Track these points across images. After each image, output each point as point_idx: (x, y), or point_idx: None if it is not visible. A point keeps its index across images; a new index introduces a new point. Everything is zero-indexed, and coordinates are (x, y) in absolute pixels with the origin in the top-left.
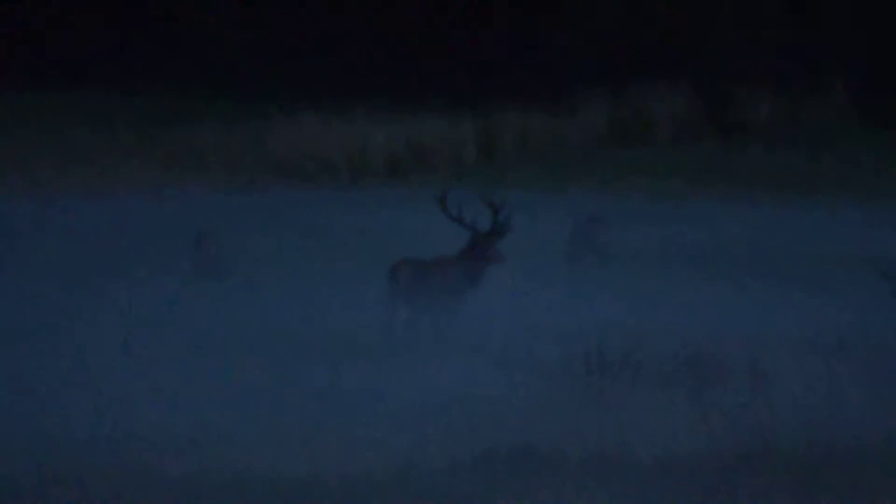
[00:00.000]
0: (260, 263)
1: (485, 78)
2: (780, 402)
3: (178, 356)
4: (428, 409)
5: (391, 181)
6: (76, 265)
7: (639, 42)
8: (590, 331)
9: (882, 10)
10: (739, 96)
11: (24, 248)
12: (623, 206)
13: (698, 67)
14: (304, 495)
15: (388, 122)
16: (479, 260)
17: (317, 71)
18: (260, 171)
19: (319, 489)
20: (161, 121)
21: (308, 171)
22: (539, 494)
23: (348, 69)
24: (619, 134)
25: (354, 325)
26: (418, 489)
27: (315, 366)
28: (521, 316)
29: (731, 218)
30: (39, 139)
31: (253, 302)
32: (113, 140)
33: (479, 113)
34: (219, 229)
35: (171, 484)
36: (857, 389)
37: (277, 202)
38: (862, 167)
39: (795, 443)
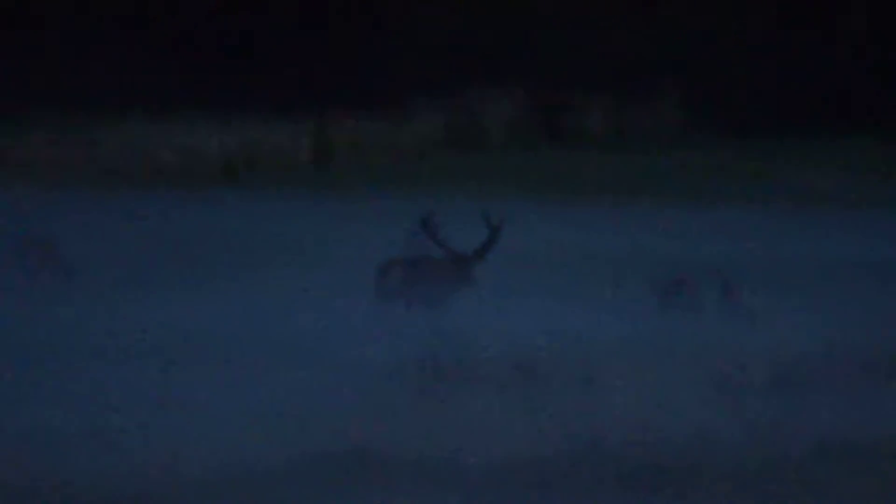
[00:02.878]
0: (93, 268)
1: (319, 82)
2: (610, 406)
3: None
4: (261, 412)
5: (225, 185)
6: None
7: (472, 47)
8: (424, 335)
9: (714, 15)
10: (572, 102)
11: None
12: (456, 210)
13: (531, 73)
14: (128, 499)
15: (221, 126)
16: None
17: (149, 74)
18: (92, 176)
19: (149, 493)
20: None
21: (141, 175)
22: (371, 498)
23: (182, 72)
24: (453, 139)
25: (190, 328)
26: (250, 492)
27: (150, 370)
28: (356, 320)
29: (564, 223)
30: None
31: (87, 306)
32: None
33: (314, 117)
34: (49, 234)
35: None
36: (687, 393)
37: (110, 207)
38: (695, 172)
39: (625, 446)
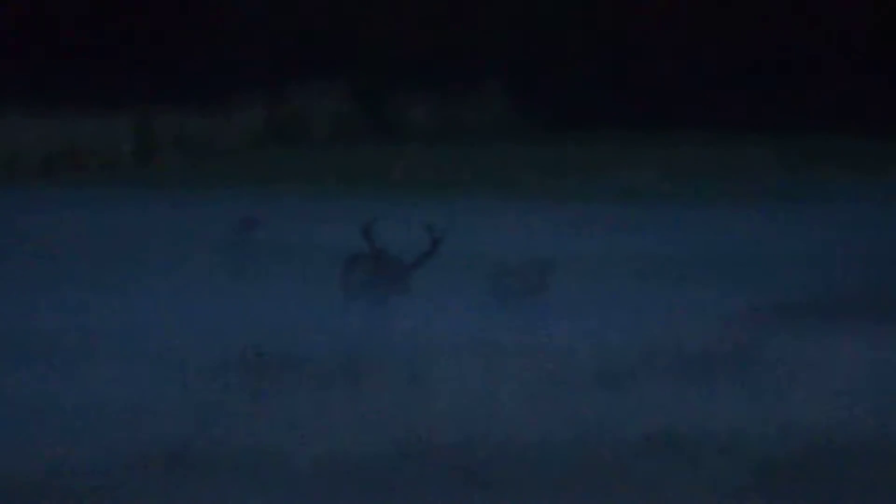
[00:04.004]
0: None
1: (141, 77)
2: (439, 401)
3: None
4: (81, 411)
5: (44, 181)
6: None
7: (295, 41)
8: (247, 331)
9: (538, 10)
10: (396, 96)
11: None
12: (279, 206)
13: (355, 67)
14: None
15: (40, 121)
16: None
17: None
18: None
19: None
20: None
21: None
22: (195, 495)
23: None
24: (276, 134)
25: (20, 328)
26: (68, 491)
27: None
28: (177, 317)
29: (387, 218)
30: None
31: None
32: None
33: (135, 112)
34: None
35: None
36: (514, 390)
37: None
38: (519, 166)
39: (449, 445)
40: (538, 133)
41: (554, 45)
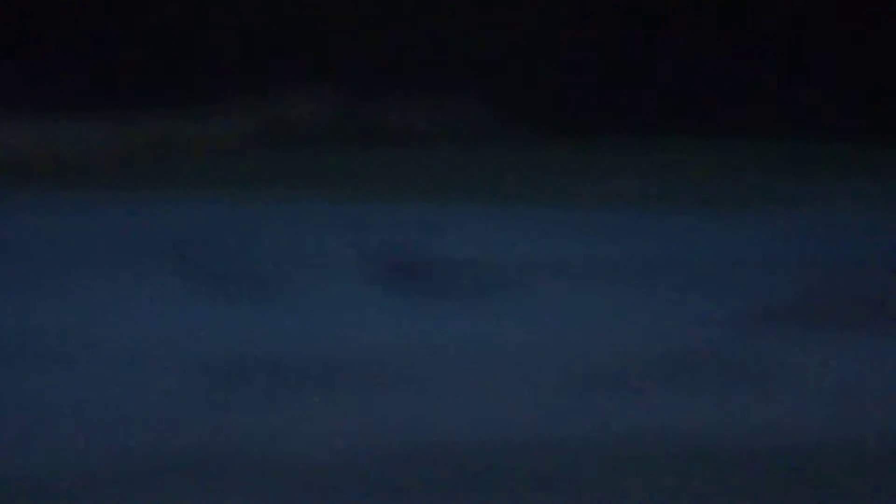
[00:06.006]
0: None
1: (122, 80)
2: (433, 407)
3: None
4: (85, 413)
5: (22, 185)
6: None
7: (282, 44)
8: (234, 336)
9: (529, 14)
10: (382, 99)
11: None
12: (269, 211)
13: (338, 70)
14: None
15: (16, 124)
16: None
17: None
18: None
19: None
20: None
21: None
22: (204, 498)
23: None
24: (264, 137)
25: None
26: (73, 494)
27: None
28: (162, 319)
29: (373, 223)
30: None
31: None
32: None
33: (116, 116)
34: None
35: None
36: (509, 392)
37: None
38: (504, 170)
39: (448, 446)
40: (527, 137)
41: (545, 49)
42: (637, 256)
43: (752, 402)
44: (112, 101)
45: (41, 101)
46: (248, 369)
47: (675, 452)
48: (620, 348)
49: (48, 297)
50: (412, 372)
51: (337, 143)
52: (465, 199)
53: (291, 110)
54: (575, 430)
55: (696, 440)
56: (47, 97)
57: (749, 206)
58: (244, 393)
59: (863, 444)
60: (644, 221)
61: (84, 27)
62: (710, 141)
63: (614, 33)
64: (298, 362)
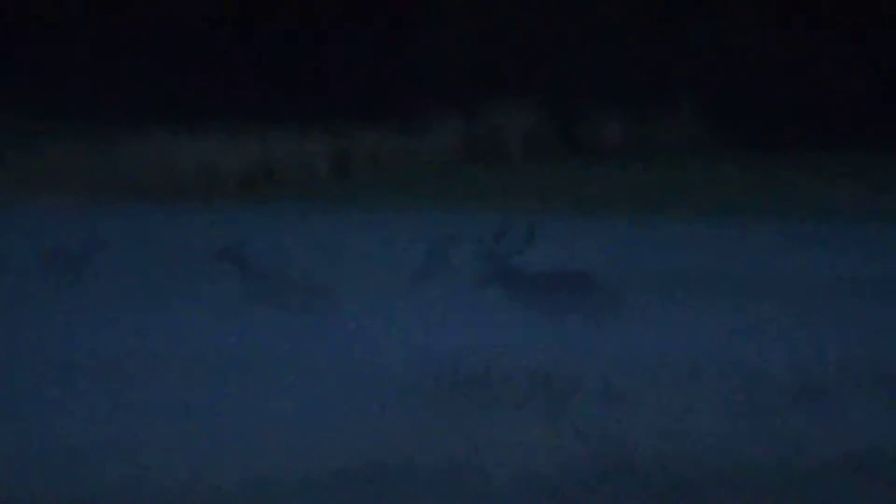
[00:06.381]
0: (116, 282)
1: (337, 95)
2: (634, 421)
3: (45, 375)
4: (279, 426)
5: (243, 199)
6: None
7: (491, 59)
8: (443, 350)
9: (732, 26)
10: (591, 114)
11: None
12: (476, 224)
13: (550, 85)
14: None
15: (239, 139)
16: None
17: (167, 88)
18: (112, 190)
19: None
20: (9, 139)
21: (160, 189)
22: None
23: (199, 86)
24: (472, 152)
25: (209, 341)
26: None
27: (171, 383)
28: (373, 335)
29: (585, 237)
30: None
31: (107, 319)
32: None
33: (332, 130)
34: (72, 247)
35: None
36: (711, 410)
37: (130, 220)
38: (714, 185)
39: (649, 462)
40: (732, 151)
41: (748, 61)
42: (855, 269)
43: None
44: (328, 114)
45: (260, 117)
46: (469, 381)
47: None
48: (839, 362)
49: (276, 311)
50: (634, 385)
51: (543, 156)
52: (675, 212)
53: (503, 124)
54: (793, 446)
55: None
56: (269, 115)
57: None
58: (467, 404)
59: None
60: (860, 234)
61: (300, 45)
62: None
63: (824, 49)
64: (517, 374)
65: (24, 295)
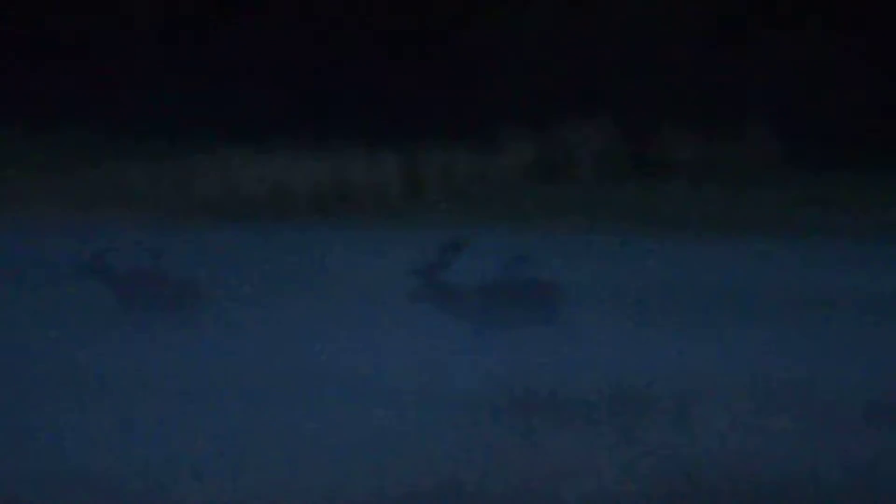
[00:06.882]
0: (191, 301)
1: (408, 114)
2: (707, 440)
3: (139, 395)
4: (351, 446)
5: (315, 218)
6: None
7: (562, 78)
8: (514, 368)
9: (806, 48)
10: (662, 133)
11: None
12: (549, 243)
13: (622, 104)
14: None
15: (311, 159)
16: None
17: (238, 107)
18: (184, 209)
19: None
20: (83, 158)
21: (231, 209)
22: None
23: (270, 105)
24: (544, 171)
25: (281, 361)
26: None
27: (255, 402)
28: (445, 353)
29: (658, 256)
30: None
31: (187, 342)
32: (34, 177)
33: (403, 149)
34: (147, 267)
35: None
36: (783, 427)
37: (202, 239)
38: (787, 206)
39: (721, 481)
40: (804, 171)
41: (821, 81)
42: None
43: None
44: (399, 134)
45: (335, 138)
46: (541, 402)
47: None
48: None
49: (350, 330)
50: (706, 405)
51: (615, 175)
52: (748, 233)
53: (574, 144)
54: (868, 467)
55: None
56: (341, 135)
57: None
58: (539, 425)
59: None
60: None
61: (371, 66)
62: None
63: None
64: (589, 395)
65: (101, 310)
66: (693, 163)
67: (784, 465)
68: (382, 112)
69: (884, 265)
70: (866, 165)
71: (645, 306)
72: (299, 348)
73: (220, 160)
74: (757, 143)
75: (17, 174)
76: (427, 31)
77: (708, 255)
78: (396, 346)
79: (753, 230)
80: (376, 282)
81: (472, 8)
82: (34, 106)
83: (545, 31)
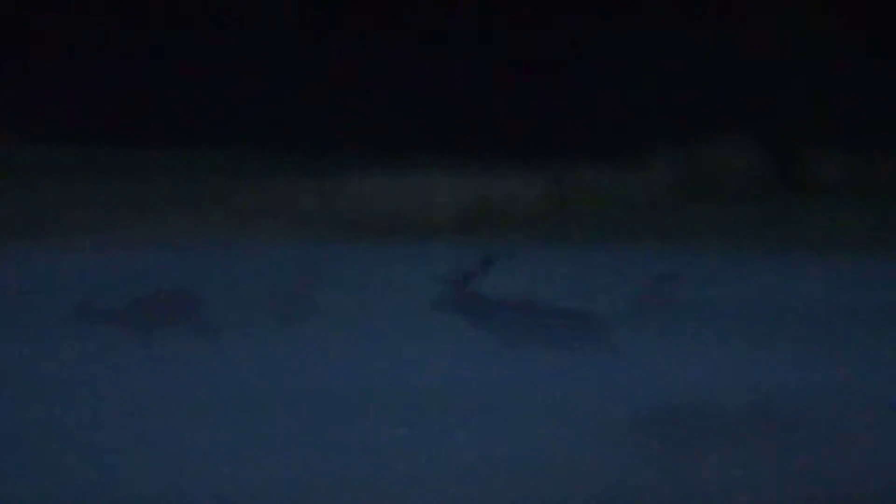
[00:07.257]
0: (334, 318)
1: (554, 133)
2: (853, 458)
3: (267, 410)
4: (491, 466)
5: (461, 237)
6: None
7: (707, 96)
8: (656, 389)
9: None
10: (808, 152)
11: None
12: (693, 262)
13: (766, 122)
14: None
15: (457, 178)
16: None
17: (385, 126)
18: (329, 227)
19: None
20: (230, 176)
21: (377, 227)
22: None
23: (417, 124)
24: (688, 190)
25: (426, 381)
26: None
27: (380, 419)
28: (584, 374)
29: (804, 275)
30: (108, 193)
31: (327, 357)
32: (182, 194)
33: (548, 168)
34: (291, 284)
35: None
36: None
37: (348, 258)
38: None
39: (869, 499)
40: None
41: None
42: None
43: None
44: (544, 151)
45: (479, 157)
46: (687, 419)
47: None
48: None
49: (502, 351)
50: (856, 422)
51: (760, 194)
52: (892, 248)
53: (720, 163)
54: None
55: None
56: (485, 154)
57: None
58: (683, 442)
59: None
60: None
61: (516, 83)
62: None
63: None
64: (737, 412)
65: (248, 330)
66: (839, 181)
67: None
68: (527, 130)
69: None
70: None
71: (795, 326)
72: (448, 364)
73: (364, 178)
74: None
75: (172, 191)
76: (571, 49)
77: (856, 274)
78: (539, 365)
79: None
80: (519, 300)
81: (618, 29)
82: (189, 126)
83: (689, 49)
